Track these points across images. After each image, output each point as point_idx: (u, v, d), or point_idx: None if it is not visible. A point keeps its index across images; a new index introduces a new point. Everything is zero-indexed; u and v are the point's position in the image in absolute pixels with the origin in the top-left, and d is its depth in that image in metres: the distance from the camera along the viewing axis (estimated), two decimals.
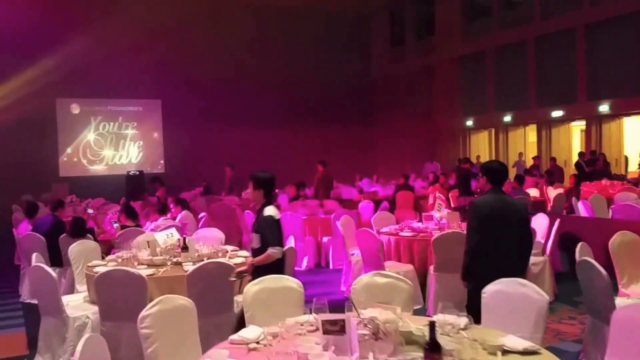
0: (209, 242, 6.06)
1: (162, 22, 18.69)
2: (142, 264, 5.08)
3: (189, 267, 4.83)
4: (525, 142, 20.30)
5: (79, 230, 6.67)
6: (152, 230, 7.41)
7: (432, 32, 22.30)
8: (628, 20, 15.50)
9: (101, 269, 4.86)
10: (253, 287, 3.74)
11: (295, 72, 21.57)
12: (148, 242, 5.51)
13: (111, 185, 18.05)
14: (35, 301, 6.33)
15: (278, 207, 4.87)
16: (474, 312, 3.06)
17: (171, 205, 8.47)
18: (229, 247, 5.91)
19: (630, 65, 15.58)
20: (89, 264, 5.25)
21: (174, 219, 8.04)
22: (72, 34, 17.21)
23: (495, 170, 4.13)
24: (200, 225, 8.14)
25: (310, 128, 21.29)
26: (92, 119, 20.34)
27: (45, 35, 16.82)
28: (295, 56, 21.73)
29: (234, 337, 2.95)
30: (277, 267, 4.35)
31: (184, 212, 8.31)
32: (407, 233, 6.26)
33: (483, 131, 21.30)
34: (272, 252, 4.34)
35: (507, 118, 19.55)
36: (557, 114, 17.88)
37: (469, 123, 21.03)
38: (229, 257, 5.32)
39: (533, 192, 11.03)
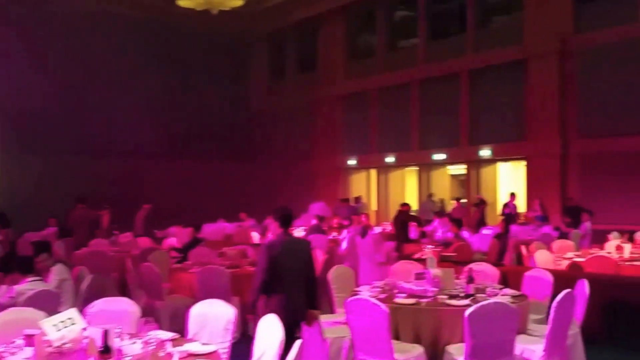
0: (123, 322, 3.91)
1: None
2: None
3: None
4: (404, 184, 20.15)
5: None
6: (12, 299, 4.97)
7: (314, 68, 21.54)
8: (508, 69, 15.98)
9: None
10: None
11: (167, 98, 19.34)
12: (28, 335, 3.25)
13: None
14: None
15: None
16: None
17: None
18: (164, 334, 3.78)
19: (509, 112, 16.05)
20: None
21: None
22: None
23: (286, 216, 4.61)
24: (85, 287, 5.74)
25: (184, 161, 19.15)
26: None
27: None
28: (167, 80, 19.52)
29: None
30: None
31: (57, 267, 5.82)
32: (405, 299, 4.68)
33: (363, 171, 20.76)
34: None
35: (390, 159, 19.18)
36: (438, 156, 17.87)
37: (351, 162, 20.36)
38: None
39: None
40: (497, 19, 17.68)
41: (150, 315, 6.35)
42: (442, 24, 18.90)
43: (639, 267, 6.40)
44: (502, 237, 8.65)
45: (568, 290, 3.95)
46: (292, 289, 4.42)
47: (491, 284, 4.83)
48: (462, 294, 4.33)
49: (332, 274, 5.94)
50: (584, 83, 14.32)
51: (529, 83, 15.36)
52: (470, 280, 4.39)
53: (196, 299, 6.73)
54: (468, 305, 4.14)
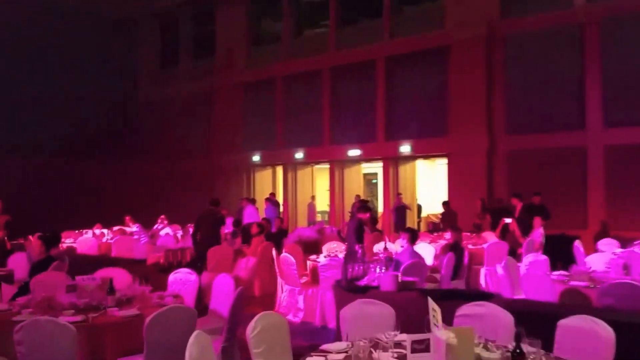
0: None
1: None
2: None
3: None
4: (314, 183, 18.37)
5: None
6: None
7: (211, 53, 19.08)
8: (430, 56, 14.65)
9: None
10: None
11: (43, 88, 16.13)
12: None
13: None
14: None
15: None
16: None
17: None
18: None
19: (431, 105, 14.71)
20: None
21: None
22: None
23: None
24: None
25: (55, 159, 16.05)
26: None
27: None
28: (41, 66, 16.33)
29: None
30: None
31: None
32: None
33: (269, 168, 18.66)
34: None
35: (299, 155, 17.26)
36: (353, 153, 16.21)
37: (255, 159, 18.18)
38: None
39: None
40: (416, 2, 16.30)
41: None
42: (355, 9, 17.28)
43: None
44: (456, 248, 6.99)
45: None
46: None
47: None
48: None
49: (254, 328, 3.51)
50: (511, 73, 13.24)
51: (453, 72, 14.07)
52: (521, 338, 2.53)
53: None
54: None
